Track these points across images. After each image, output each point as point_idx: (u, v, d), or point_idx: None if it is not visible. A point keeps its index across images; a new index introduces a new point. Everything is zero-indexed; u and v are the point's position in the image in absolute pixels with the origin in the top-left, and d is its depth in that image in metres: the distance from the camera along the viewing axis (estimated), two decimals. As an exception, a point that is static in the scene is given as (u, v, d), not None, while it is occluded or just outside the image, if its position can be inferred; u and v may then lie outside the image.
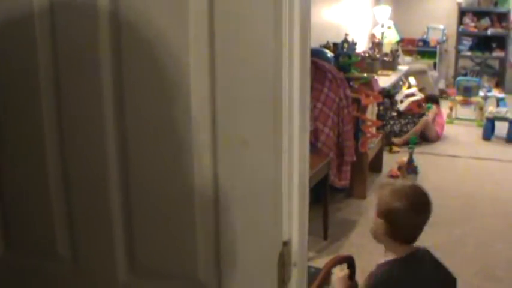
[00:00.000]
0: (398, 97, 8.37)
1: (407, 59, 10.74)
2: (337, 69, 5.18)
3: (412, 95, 8.79)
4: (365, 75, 5.71)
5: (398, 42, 10.02)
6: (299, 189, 1.36)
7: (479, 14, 12.12)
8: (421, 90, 9.82)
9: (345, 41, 6.07)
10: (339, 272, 2.44)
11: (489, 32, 12.02)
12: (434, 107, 8.15)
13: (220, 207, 1.34)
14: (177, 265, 1.45)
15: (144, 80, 1.37)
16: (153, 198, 1.43)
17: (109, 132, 1.43)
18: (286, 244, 1.34)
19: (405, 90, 8.88)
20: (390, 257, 2.46)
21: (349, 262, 2.55)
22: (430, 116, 7.94)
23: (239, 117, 1.27)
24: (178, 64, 1.32)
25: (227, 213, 1.33)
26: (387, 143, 7.12)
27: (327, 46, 6.13)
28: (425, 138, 7.77)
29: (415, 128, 7.59)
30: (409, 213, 2.35)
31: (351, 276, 2.57)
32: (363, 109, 5.35)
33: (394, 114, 7.72)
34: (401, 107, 8.10)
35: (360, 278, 3.89)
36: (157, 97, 1.37)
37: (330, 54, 5.50)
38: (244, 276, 1.38)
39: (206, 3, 1.24)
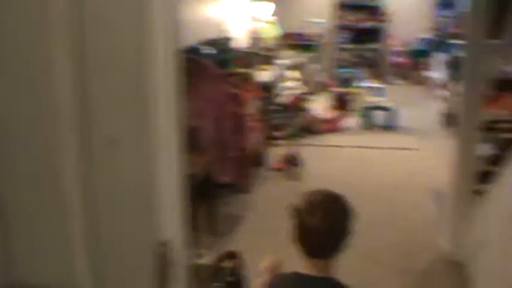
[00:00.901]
0: (280, 91, 8.50)
1: (288, 53, 10.93)
2: (217, 65, 5.19)
3: (293, 88, 8.97)
4: (245, 70, 5.77)
5: (278, 37, 10.19)
6: (176, 188, 1.36)
7: (356, 8, 12.60)
8: (301, 83, 10.05)
9: (225, 37, 6.11)
10: (266, 261, 2.16)
11: (365, 25, 12.53)
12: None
13: (91, 210, 1.31)
14: (53, 277, 1.41)
15: (8, 79, 1.31)
16: (23, 207, 1.37)
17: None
18: (165, 244, 1.34)
19: (286, 84, 9.03)
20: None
21: (236, 258, 2.58)
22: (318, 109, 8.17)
23: (108, 117, 1.25)
24: (44, 63, 1.28)
25: (99, 218, 1.30)
26: (270, 137, 7.23)
27: (207, 43, 6.14)
28: (309, 130, 7.97)
29: (296, 122, 7.75)
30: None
31: (238, 269, 2.59)
32: (244, 104, 5.40)
33: (276, 108, 7.84)
34: (283, 100, 8.23)
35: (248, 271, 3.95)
36: (23, 97, 1.32)
37: (210, 51, 5.51)
38: (123, 280, 1.36)
39: (73, 5, 1.22)
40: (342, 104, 8.55)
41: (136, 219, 1.30)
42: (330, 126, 8.16)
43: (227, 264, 2.58)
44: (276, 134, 7.54)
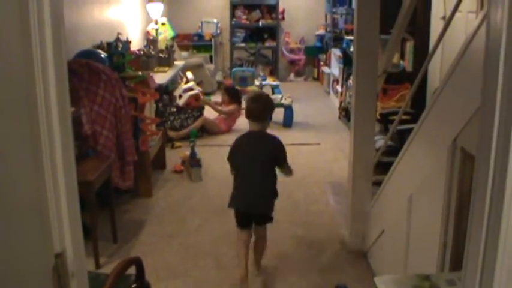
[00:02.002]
0: (177, 92, 8.45)
1: (184, 53, 10.90)
2: (112, 69, 5.08)
3: (190, 89, 8.93)
4: (140, 73, 5.68)
5: (173, 38, 10.13)
6: (67, 197, 1.30)
7: (250, 7, 12.73)
8: (198, 84, 10.03)
9: (118, 40, 5.99)
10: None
11: (260, 23, 12.67)
12: (235, 105, 8.34)
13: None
14: None
15: None
16: None
17: None
18: (59, 256, 1.28)
19: (183, 86, 8.99)
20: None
21: (137, 264, 2.51)
22: (225, 110, 8.18)
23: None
24: None
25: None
26: (169, 139, 7.17)
27: (100, 46, 6.00)
28: (208, 131, 7.95)
29: (193, 125, 7.71)
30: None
31: (140, 277, 2.53)
32: (140, 108, 5.32)
33: (174, 110, 7.78)
34: (181, 102, 8.19)
35: (150, 277, 3.90)
36: None
37: (103, 54, 5.38)
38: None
39: None
40: (234, 95, 8.50)
41: (29, 231, 1.23)
42: (228, 126, 8.16)
43: (129, 271, 2.51)
44: (175, 136, 7.49)
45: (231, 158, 4.15)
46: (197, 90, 8.96)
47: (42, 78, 1.20)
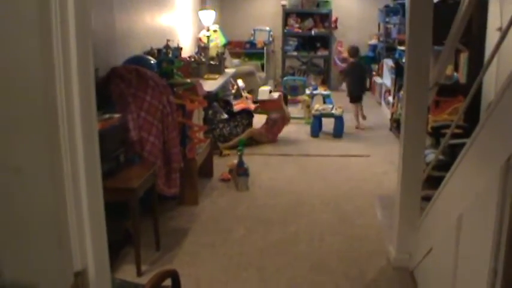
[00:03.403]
0: (227, 100, 8.45)
1: (235, 61, 10.91)
2: (160, 75, 5.08)
3: (241, 97, 8.94)
4: (188, 80, 5.66)
5: (225, 45, 10.13)
6: (90, 214, 1.25)
7: (302, 15, 12.67)
8: (249, 92, 10.01)
9: (167, 46, 6.00)
10: None
11: (313, 32, 12.58)
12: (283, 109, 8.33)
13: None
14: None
15: None
16: None
17: None
18: (79, 275, 1.23)
19: (233, 93, 9.00)
20: None
21: (173, 276, 2.46)
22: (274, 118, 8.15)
23: (10, 143, 1.13)
24: None
25: (4, 251, 1.18)
26: (216, 147, 7.15)
27: (150, 53, 6.03)
28: (257, 140, 7.91)
29: (241, 136, 7.67)
30: None
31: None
32: (188, 115, 5.30)
33: (224, 117, 7.76)
34: (230, 109, 8.17)
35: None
36: None
37: (153, 61, 5.39)
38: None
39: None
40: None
41: (46, 248, 1.18)
42: (273, 135, 8.11)
43: (166, 283, 2.46)
44: (223, 144, 7.47)
45: None
46: (247, 98, 8.94)
47: (64, 90, 1.15)
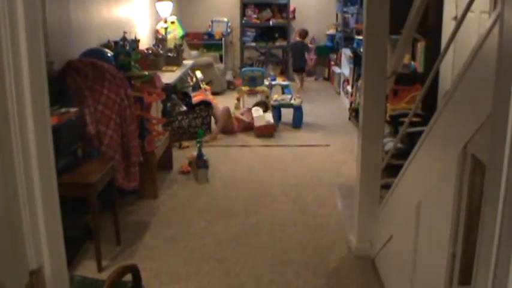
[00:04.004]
0: (186, 92, 8.39)
1: (193, 53, 10.84)
2: (117, 68, 5.01)
3: (199, 88, 8.89)
4: (146, 73, 5.60)
5: (182, 37, 10.05)
6: (45, 211, 1.22)
7: (260, 6, 12.64)
8: (208, 83, 9.96)
9: (124, 38, 5.92)
10: None
11: (271, 23, 12.58)
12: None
13: None
14: None
15: None
16: None
17: None
18: (34, 273, 1.19)
19: (192, 85, 8.94)
20: None
21: (133, 271, 2.43)
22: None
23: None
24: None
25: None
26: (176, 140, 7.10)
27: (107, 45, 5.94)
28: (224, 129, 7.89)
29: (203, 123, 7.65)
30: None
31: (136, 284, 2.45)
32: (146, 107, 5.24)
33: (183, 109, 7.70)
34: (189, 101, 8.12)
35: (152, 281, 3.83)
36: None
37: (109, 53, 5.32)
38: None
39: None
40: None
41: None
42: (238, 126, 8.09)
43: (126, 278, 2.43)
44: (183, 136, 7.43)
45: None
46: (206, 90, 8.90)
47: (14, 84, 1.11)
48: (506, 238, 1.14)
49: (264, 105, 8.41)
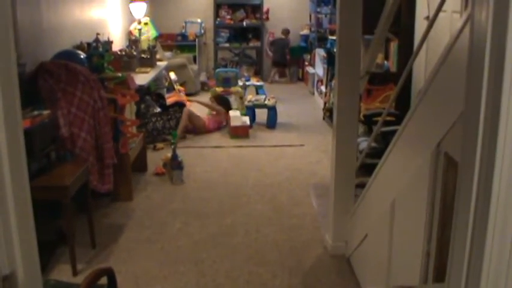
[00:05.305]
0: (159, 93, 8.36)
1: (167, 54, 10.80)
2: (90, 70, 4.97)
3: (173, 90, 8.87)
4: (120, 74, 5.56)
5: (156, 38, 10.01)
6: (17, 215, 1.20)
7: (234, 7, 12.64)
8: (182, 84, 9.93)
9: (97, 40, 5.88)
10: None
11: (245, 23, 12.59)
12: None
13: None
14: None
15: None
16: None
17: None
18: (7, 279, 1.17)
19: (166, 86, 8.92)
20: None
21: (109, 274, 2.41)
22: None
23: None
24: None
25: None
26: (150, 141, 7.06)
27: (80, 47, 5.90)
28: (191, 132, 7.86)
29: (177, 125, 7.61)
30: None
31: (112, 287, 2.43)
32: (120, 109, 5.20)
33: (157, 111, 7.67)
34: (163, 102, 8.09)
35: (128, 284, 3.81)
36: None
37: (82, 55, 5.28)
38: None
39: None
40: (223, 103, 8.47)
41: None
42: (211, 127, 8.08)
43: (102, 281, 2.41)
44: (157, 137, 7.39)
45: None
46: (180, 91, 8.87)
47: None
48: (478, 235, 1.15)
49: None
